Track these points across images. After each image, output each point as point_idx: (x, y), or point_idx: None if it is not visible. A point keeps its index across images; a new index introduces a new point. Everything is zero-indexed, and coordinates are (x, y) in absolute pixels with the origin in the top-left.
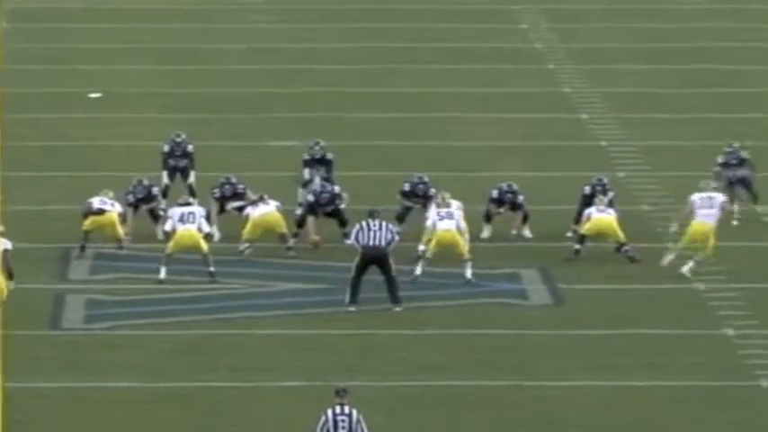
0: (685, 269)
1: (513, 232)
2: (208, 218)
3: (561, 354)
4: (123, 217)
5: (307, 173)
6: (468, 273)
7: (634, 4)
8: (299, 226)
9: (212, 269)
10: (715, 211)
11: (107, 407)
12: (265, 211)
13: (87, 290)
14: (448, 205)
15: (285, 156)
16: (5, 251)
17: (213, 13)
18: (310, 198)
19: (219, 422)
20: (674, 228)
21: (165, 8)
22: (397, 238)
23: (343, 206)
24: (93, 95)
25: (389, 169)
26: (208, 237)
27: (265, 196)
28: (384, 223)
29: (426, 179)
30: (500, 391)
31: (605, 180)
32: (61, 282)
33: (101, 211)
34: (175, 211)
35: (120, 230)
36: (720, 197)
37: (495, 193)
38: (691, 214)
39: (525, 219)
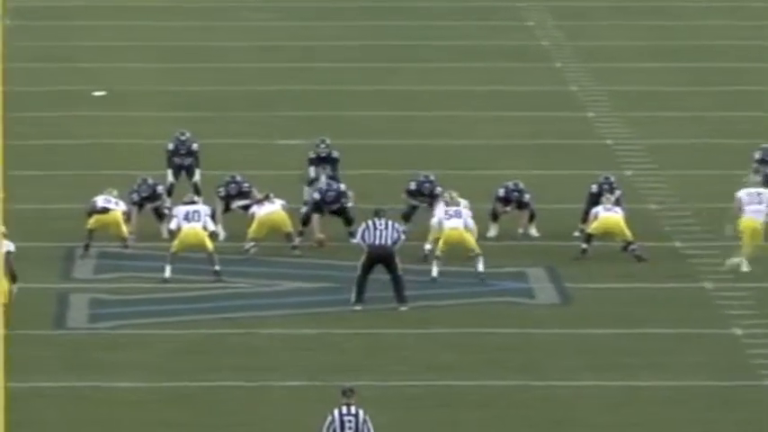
0: (741, 265)
1: (520, 231)
2: (213, 216)
3: (568, 353)
4: (127, 216)
5: (312, 171)
6: (480, 266)
7: (641, 2)
8: (303, 224)
9: (217, 268)
10: (764, 207)
11: (111, 407)
12: (271, 210)
13: (91, 289)
14: (456, 204)
15: (289, 154)
16: (8, 253)
17: (215, 10)
18: (316, 196)
19: (224, 422)
20: (728, 231)
21: (168, 6)
22: (403, 237)
23: (349, 204)
24: (97, 94)
25: (394, 168)
26: (213, 235)
27: (271, 195)
28: (390, 222)
29: (432, 178)
30: (506, 390)
31: (612, 179)
32: (65, 281)
33: (105, 210)
34: (180, 210)
35: (125, 229)
36: None
37: (501, 192)
38: (739, 211)
39: (532, 217)
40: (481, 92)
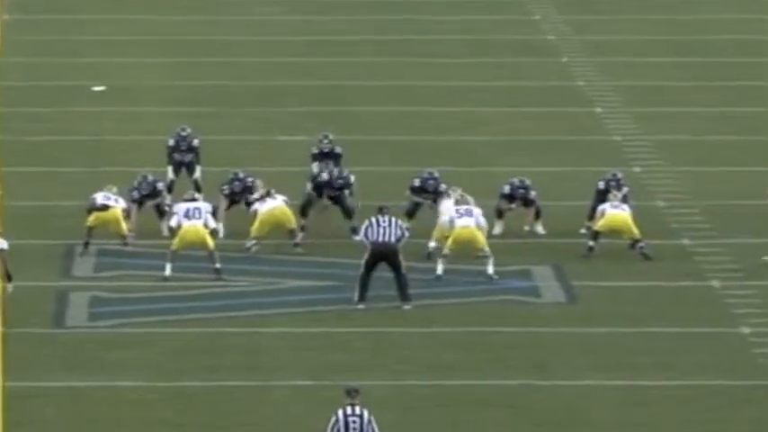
0: None
1: (526, 228)
2: (214, 213)
3: (574, 352)
4: (127, 213)
5: (315, 167)
6: (490, 269)
7: None
8: (302, 214)
9: (218, 266)
10: None
11: (111, 406)
12: (273, 206)
13: (91, 287)
14: (466, 202)
15: (292, 150)
16: (2, 251)
17: (218, 4)
18: (324, 177)
19: (226, 422)
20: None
21: None
22: (406, 234)
23: (348, 197)
24: (97, 89)
25: (398, 164)
26: (214, 233)
27: (272, 191)
28: (394, 219)
29: (437, 174)
30: (511, 390)
31: (620, 175)
32: (65, 279)
33: (105, 207)
34: (181, 207)
35: (124, 226)
36: None
37: (506, 189)
38: None
39: (538, 215)
40: (486, 87)
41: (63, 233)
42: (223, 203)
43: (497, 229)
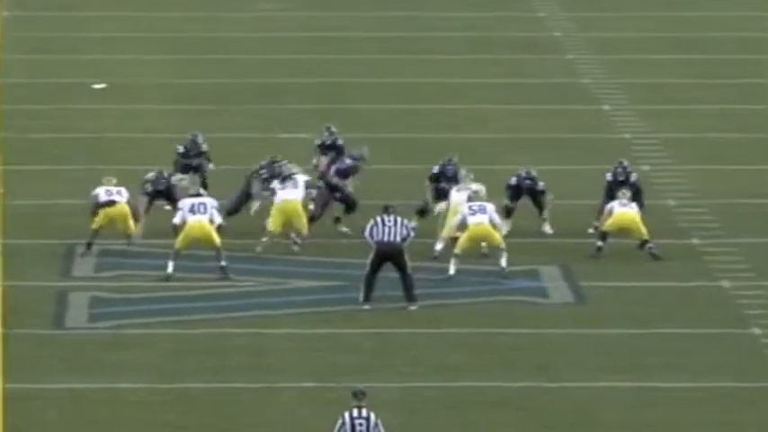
0: None
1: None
2: (237, 208)
3: (583, 353)
4: (134, 209)
5: (316, 159)
6: (504, 261)
7: None
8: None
9: (224, 263)
10: None
11: (112, 408)
12: (289, 198)
13: (92, 287)
14: (480, 198)
15: (293, 147)
16: None
17: (219, 1)
18: (348, 161)
19: (230, 425)
20: None
21: None
22: (412, 234)
23: (349, 189)
24: (97, 86)
25: (401, 162)
26: (220, 229)
27: (296, 172)
28: (399, 219)
29: (456, 160)
30: (519, 391)
31: (626, 163)
32: (65, 279)
33: (111, 203)
34: (186, 202)
35: (131, 224)
36: None
37: (513, 180)
38: None
39: (541, 209)
40: (491, 84)
41: (64, 232)
42: (256, 185)
43: (504, 229)
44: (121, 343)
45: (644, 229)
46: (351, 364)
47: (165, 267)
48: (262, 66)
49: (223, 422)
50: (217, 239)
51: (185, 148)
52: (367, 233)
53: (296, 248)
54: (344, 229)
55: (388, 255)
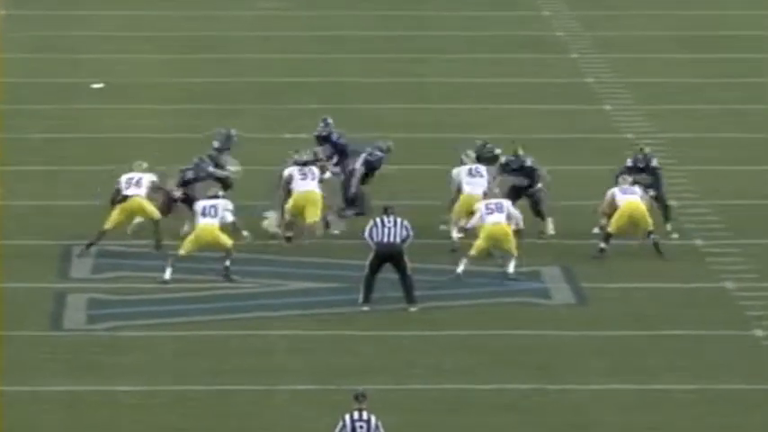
0: None
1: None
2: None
3: (585, 355)
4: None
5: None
6: (511, 267)
7: None
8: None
9: (227, 264)
10: None
11: (111, 411)
12: (309, 189)
13: (90, 289)
14: (495, 195)
15: (296, 148)
16: None
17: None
18: (379, 153)
19: (229, 427)
20: None
21: None
22: (411, 234)
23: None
24: (95, 86)
25: (404, 162)
26: (234, 227)
27: (328, 165)
28: (399, 220)
29: (486, 141)
30: (521, 393)
31: (647, 150)
32: (63, 280)
33: (124, 198)
34: (199, 205)
35: (151, 209)
36: None
37: (503, 159)
38: None
39: (539, 210)
40: (494, 83)
41: (61, 233)
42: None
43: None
44: (120, 345)
45: (650, 220)
46: (350, 366)
47: (164, 269)
48: (263, 65)
49: (222, 424)
50: (227, 242)
51: (220, 143)
52: (366, 234)
53: (287, 243)
54: (336, 231)
55: (388, 256)
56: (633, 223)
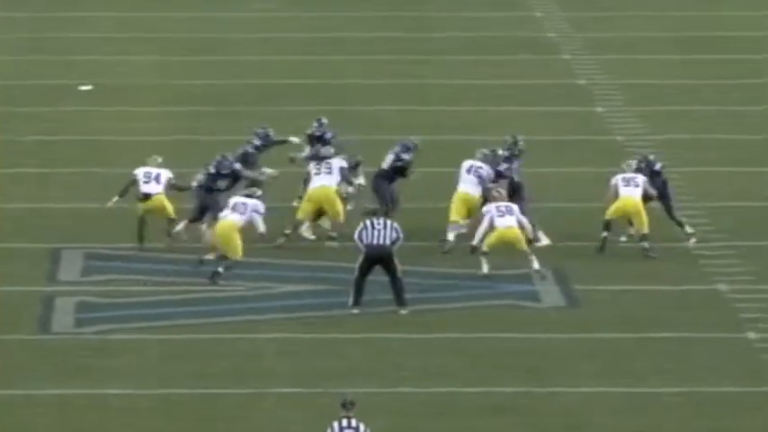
0: None
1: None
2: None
3: (575, 358)
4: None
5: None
6: (536, 264)
7: None
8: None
9: (220, 269)
10: None
11: (99, 414)
12: (324, 184)
13: (78, 292)
14: (503, 197)
15: (293, 150)
16: None
17: (216, 1)
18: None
19: (217, 430)
20: None
21: None
22: (401, 236)
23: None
24: (83, 88)
25: None
26: (262, 237)
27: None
28: (389, 222)
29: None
30: (511, 396)
31: (651, 157)
32: (51, 284)
33: (146, 197)
34: (231, 201)
35: (171, 208)
36: None
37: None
38: None
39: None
40: (485, 85)
41: (51, 235)
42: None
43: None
44: (108, 348)
45: (645, 219)
46: (339, 370)
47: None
48: (260, 67)
49: (209, 428)
50: (235, 248)
51: (261, 141)
52: (356, 236)
53: (335, 244)
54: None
55: (378, 258)
56: (627, 219)
